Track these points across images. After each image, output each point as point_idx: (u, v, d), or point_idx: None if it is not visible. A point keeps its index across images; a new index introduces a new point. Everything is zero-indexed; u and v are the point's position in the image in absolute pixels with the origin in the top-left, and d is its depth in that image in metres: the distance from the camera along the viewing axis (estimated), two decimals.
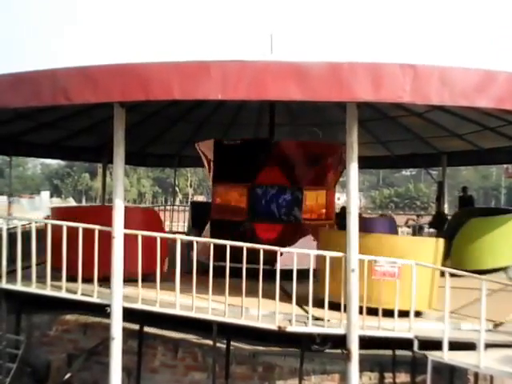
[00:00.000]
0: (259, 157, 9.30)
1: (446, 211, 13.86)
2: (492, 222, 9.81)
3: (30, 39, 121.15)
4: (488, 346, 5.48)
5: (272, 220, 9.29)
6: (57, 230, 6.43)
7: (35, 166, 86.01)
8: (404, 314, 5.87)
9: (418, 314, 6.19)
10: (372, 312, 5.85)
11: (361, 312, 5.71)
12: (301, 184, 9.41)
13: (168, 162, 17.72)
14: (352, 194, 5.70)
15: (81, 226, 6.36)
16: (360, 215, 6.65)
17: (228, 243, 6.11)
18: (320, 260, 6.15)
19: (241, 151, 9.39)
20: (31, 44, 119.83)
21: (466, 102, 5.51)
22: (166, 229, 14.99)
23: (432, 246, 6.65)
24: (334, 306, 5.89)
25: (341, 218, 12.05)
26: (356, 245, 5.70)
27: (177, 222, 15.99)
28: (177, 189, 46.64)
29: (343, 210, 12.87)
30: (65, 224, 6.40)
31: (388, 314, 5.84)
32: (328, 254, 6.24)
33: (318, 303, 5.99)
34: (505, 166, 28.52)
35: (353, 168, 5.66)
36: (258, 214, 9.35)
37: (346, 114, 5.67)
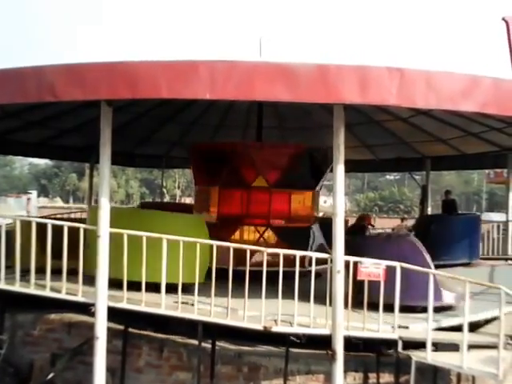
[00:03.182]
0: None
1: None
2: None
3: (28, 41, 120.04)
4: (471, 346, 5.55)
5: None
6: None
7: (23, 165, 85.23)
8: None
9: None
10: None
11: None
12: None
13: (156, 163, 17.67)
14: (338, 195, 5.73)
15: (66, 224, 6.35)
16: None
17: (215, 243, 6.13)
18: None
19: None
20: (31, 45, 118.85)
21: (452, 106, 5.60)
22: None
23: None
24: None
25: None
26: (342, 246, 5.73)
27: None
28: (164, 190, 46.51)
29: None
30: (50, 222, 6.37)
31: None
32: (314, 254, 6.29)
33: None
34: (486, 171, 28.96)
35: (339, 170, 5.70)
36: None
37: (333, 116, 5.72)
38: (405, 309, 6.13)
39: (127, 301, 6.12)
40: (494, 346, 5.49)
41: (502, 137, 9.76)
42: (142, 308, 6.11)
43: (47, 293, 6.35)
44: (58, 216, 12.01)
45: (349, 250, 5.76)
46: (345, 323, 5.70)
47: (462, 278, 5.82)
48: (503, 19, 5.87)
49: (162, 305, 6.05)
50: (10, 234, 6.56)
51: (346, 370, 5.75)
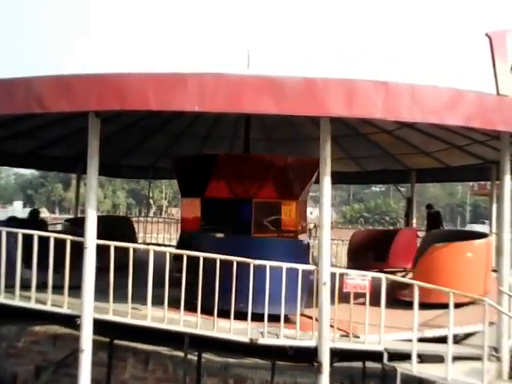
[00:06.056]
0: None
1: (415, 226, 14.14)
2: None
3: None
4: (455, 358, 5.60)
5: None
6: None
7: (9, 175, 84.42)
8: None
9: None
10: None
11: None
12: None
13: (143, 174, 17.62)
14: (325, 207, 5.78)
15: (52, 235, 6.31)
16: None
17: (202, 255, 6.12)
18: None
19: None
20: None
21: (436, 119, 5.70)
22: (140, 240, 14.91)
23: None
24: None
25: None
26: (328, 258, 5.77)
27: (150, 233, 15.93)
28: (151, 201, 46.38)
29: None
30: (36, 233, 6.32)
31: None
32: (300, 266, 6.30)
33: None
34: (470, 183, 29.39)
35: (326, 181, 5.76)
36: None
37: (320, 128, 5.78)
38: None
39: (113, 312, 6.09)
40: (478, 358, 5.54)
41: (486, 150, 9.89)
42: (128, 320, 6.07)
43: (32, 305, 6.28)
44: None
45: None
46: (331, 335, 5.74)
47: (445, 289, 5.87)
48: (486, 35, 5.99)
49: (148, 317, 6.02)
50: None
51: (331, 382, 5.75)
